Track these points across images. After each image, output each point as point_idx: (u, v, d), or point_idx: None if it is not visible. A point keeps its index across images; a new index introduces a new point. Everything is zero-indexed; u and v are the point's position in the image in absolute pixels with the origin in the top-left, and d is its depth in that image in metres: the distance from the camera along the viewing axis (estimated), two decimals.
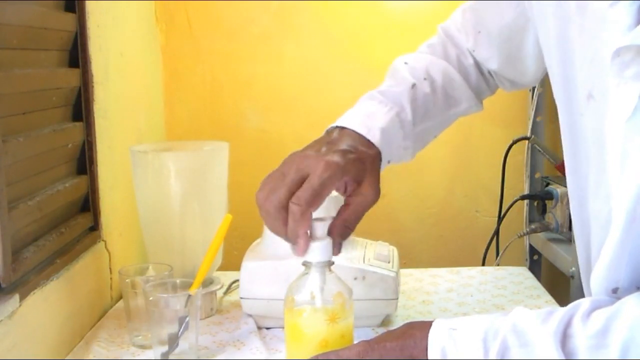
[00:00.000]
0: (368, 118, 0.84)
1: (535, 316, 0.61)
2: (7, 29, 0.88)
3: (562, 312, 0.60)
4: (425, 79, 0.90)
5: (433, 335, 0.62)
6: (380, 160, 0.81)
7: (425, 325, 0.64)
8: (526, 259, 1.67)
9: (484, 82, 0.95)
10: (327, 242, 0.70)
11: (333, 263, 0.72)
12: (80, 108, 1.11)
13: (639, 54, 0.59)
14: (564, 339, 0.58)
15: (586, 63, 0.68)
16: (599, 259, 0.65)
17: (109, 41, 1.23)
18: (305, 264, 0.71)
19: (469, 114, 0.96)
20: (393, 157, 0.84)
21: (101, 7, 1.19)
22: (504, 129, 1.68)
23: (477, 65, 0.94)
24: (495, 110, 1.69)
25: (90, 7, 1.13)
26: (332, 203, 0.76)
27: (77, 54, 1.10)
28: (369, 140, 0.80)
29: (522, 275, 1.35)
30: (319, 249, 0.69)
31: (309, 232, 0.71)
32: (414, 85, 0.88)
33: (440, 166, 1.71)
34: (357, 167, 0.76)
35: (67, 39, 1.08)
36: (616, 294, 0.62)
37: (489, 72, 0.95)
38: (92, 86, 1.13)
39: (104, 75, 1.19)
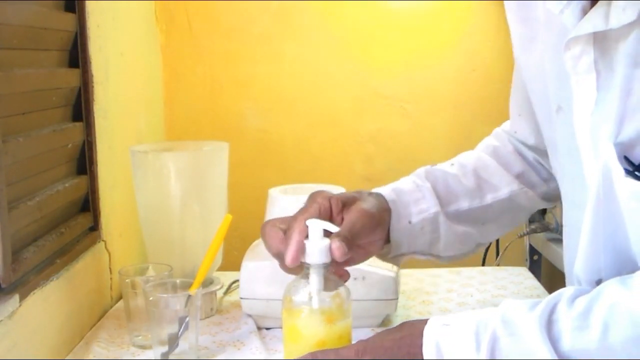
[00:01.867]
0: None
1: (522, 306, 0.62)
2: (7, 29, 0.88)
3: (546, 299, 0.61)
4: (452, 164, 0.91)
5: (428, 332, 0.64)
6: (386, 203, 0.82)
7: (421, 323, 0.65)
8: (526, 259, 1.67)
9: (534, 173, 0.92)
10: (325, 245, 0.70)
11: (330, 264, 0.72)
12: (80, 108, 1.11)
13: (587, 44, 0.62)
14: (549, 324, 0.59)
15: (554, 77, 0.70)
16: (578, 252, 0.67)
17: (109, 41, 1.23)
18: (303, 265, 0.71)
19: (531, 207, 0.93)
20: (413, 217, 0.84)
21: (101, 7, 1.19)
22: None
23: (521, 153, 0.93)
24: (496, 110, 1.69)
25: (90, 7, 1.13)
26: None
27: (77, 54, 1.10)
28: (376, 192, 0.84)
29: (522, 275, 1.35)
30: (317, 251, 0.69)
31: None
32: (432, 165, 0.90)
33: None
34: (347, 195, 0.80)
35: (67, 39, 1.08)
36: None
37: (537, 161, 0.93)
38: (92, 86, 1.13)
39: (104, 75, 1.19)
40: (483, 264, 1.58)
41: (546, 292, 1.25)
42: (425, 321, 0.65)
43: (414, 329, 0.65)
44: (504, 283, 1.30)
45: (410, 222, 0.83)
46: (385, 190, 0.84)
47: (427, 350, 0.62)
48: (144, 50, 1.52)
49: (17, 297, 0.85)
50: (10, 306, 0.83)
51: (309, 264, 0.70)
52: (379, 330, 1.07)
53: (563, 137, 0.71)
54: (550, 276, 1.66)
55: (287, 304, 0.71)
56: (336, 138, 1.69)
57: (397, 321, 1.11)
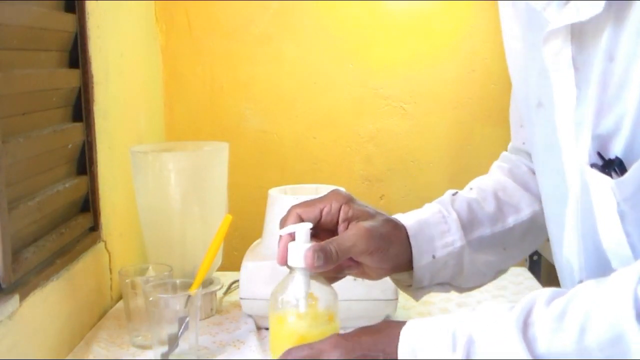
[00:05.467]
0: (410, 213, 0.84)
1: (499, 309, 0.62)
2: (7, 30, 0.89)
3: (522, 302, 0.61)
4: (471, 188, 0.89)
5: (404, 333, 0.63)
6: (405, 236, 0.80)
7: (400, 324, 0.65)
8: (526, 259, 1.66)
9: None
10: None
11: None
12: (80, 108, 1.11)
13: (565, 41, 0.63)
14: (525, 327, 0.59)
15: (535, 73, 0.71)
16: (563, 246, 0.68)
17: (109, 41, 1.23)
18: (289, 267, 0.71)
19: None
20: (438, 251, 0.81)
21: (101, 7, 1.19)
22: (504, 129, 1.67)
23: (534, 172, 0.90)
24: (496, 110, 1.69)
25: (90, 8, 1.13)
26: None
27: (77, 55, 1.10)
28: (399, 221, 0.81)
29: (522, 275, 1.35)
30: (301, 255, 0.69)
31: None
32: (455, 193, 0.87)
33: (440, 166, 1.71)
34: (362, 209, 0.76)
35: (67, 40, 1.08)
36: None
37: None
38: (92, 87, 1.13)
39: (104, 76, 1.19)
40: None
41: None
42: (404, 322, 0.65)
43: (392, 329, 0.65)
44: (504, 283, 1.30)
45: (434, 257, 0.80)
46: (409, 221, 0.81)
47: (403, 350, 0.62)
48: (144, 51, 1.52)
49: (17, 297, 0.85)
50: (10, 306, 0.83)
51: (294, 267, 0.70)
52: None
53: (543, 132, 0.72)
54: (550, 276, 1.66)
55: (273, 306, 0.71)
56: (336, 138, 1.69)
57: None
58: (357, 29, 1.66)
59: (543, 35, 0.64)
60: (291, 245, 0.70)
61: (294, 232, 0.70)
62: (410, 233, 0.80)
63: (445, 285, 0.84)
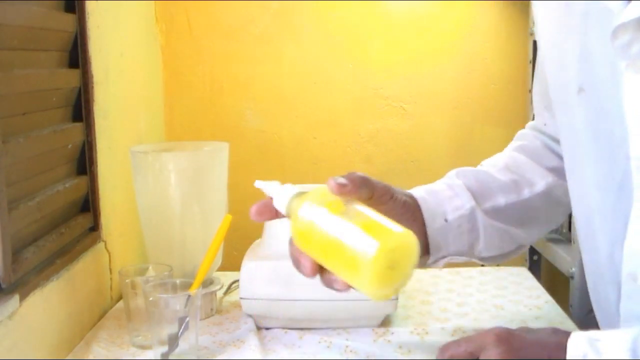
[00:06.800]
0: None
1: None
2: (7, 30, 0.89)
3: None
4: (481, 165, 0.89)
5: (572, 342, 0.60)
6: (415, 204, 0.79)
7: (566, 334, 0.62)
8: (526, 259, 1.66)
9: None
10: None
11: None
12: (80, 108, 1.11)
13: (637, 31, 0.61)
14: None
15: (575, 59, 0.70)
16: (628, 246, 0.64)
17: (109, 41, 1.23)
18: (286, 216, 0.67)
19: (569, 201, 0.86)
20: (449, 215, 0.80)
21: (101, 7, 1.19)
22: (504, 129, 1.68)
23: (550, 148, 0.90)
24: (495, 110, 1.69)
25: (90, 8, 1.13)
26: None
27: (77, 55, 1.10)
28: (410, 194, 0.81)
29: (521, 275, 1.35)
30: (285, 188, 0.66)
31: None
32: (462, 169, 0.88)
33: (440, 166, 1.71)
34: (380, 185, 0.74)
35: (67, 40, 1.08)
36: None
37: None
38: (92, 86, 1.13)
39: (104, 76, 1.19)
40: (483, 264, 1.58)
41: (546, 292, 1.25)
42: (569, 333, 0.62)
43: (560, 337, 0.62)
44: (504, 283, 1.30)
45: (446, 220, 0.79)
46: (416, 190, 0.81)
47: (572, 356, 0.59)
48: (144, 51, 1.52)
49: (17, 297, 0.85)
50: (10, 306, 0.84)
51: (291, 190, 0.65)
52: (380, 330, 1.07)
53: (586, 120, 0.70)
54: (550, 276, 1.66)
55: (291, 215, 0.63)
56: (336, 138, 1.69)
57: (396, 321, 1.11)
58: (357, 29, 1.66)
59: (612, 29, 0.62)
60: (276, 191, 0.65)
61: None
62: (418, 197, 0.80)
63: (466, 255, 0.83)
